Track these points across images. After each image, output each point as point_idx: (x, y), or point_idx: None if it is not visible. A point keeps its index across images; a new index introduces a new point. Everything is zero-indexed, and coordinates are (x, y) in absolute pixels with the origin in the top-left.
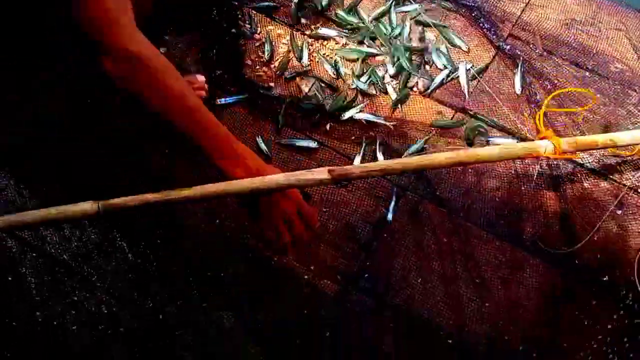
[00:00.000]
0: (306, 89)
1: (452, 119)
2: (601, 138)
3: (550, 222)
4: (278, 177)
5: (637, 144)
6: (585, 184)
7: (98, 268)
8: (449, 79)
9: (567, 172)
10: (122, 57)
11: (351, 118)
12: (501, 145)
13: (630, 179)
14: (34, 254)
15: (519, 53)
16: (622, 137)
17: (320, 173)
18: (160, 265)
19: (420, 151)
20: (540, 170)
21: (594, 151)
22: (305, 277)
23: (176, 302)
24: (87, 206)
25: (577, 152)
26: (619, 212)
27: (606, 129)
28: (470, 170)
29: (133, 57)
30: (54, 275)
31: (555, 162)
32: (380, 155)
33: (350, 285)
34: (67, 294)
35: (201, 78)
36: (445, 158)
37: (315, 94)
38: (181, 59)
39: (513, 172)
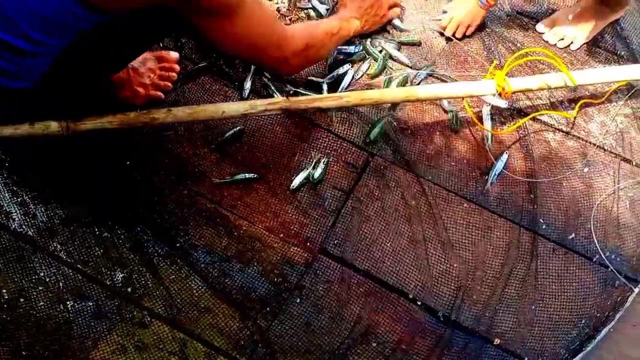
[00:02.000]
0: None
1: (419, 83)
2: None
3: (517, 181)
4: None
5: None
6: (552, 144)
7: (64, 243)
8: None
9: (533, 131)
10: (294, 58)
11: None
12: (440, 84)
13: (596, 137)
14: None
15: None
16: (553, 79)
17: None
18: (126, 234)
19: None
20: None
21: (563, 111)
22: (275, 244)
23: (144, 273)
24: (53, 125)
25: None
26: (586, 169)
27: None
28: (437, 133)
29: (298, 53)
30: (20, 252)
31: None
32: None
33: (319, 251)
34: (33, 270)
35: (174, 54)
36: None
37: None
38: None
39: (480, 135)
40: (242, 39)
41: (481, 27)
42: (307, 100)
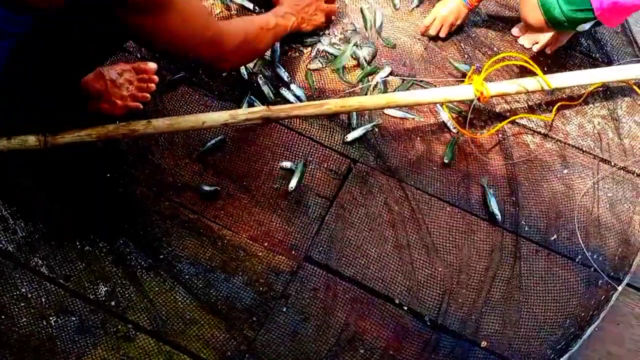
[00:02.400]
0: None
1: (399, 86)
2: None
3: (498, 185)
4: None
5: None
6: (531, 146)
7: (45, 257)
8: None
9: (512, 134)
10: (230, 55)
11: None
12: (420, 90)
13: (575, 138)
14: None
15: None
16: (530, 83)
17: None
18: (108, 247)
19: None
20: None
21: (541, 114)
22: (259, 253)
23: (128, 286)
24: (31, 139)
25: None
26: (565, 171)
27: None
28: (418, 138)
29: (235, 49)
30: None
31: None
32: None
33: (304, 258)
34: (15, 286)
35: (152, 65)
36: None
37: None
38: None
39: (461, 138)
40: (176, 37)
41: (458, 32)
42: (288, 108)
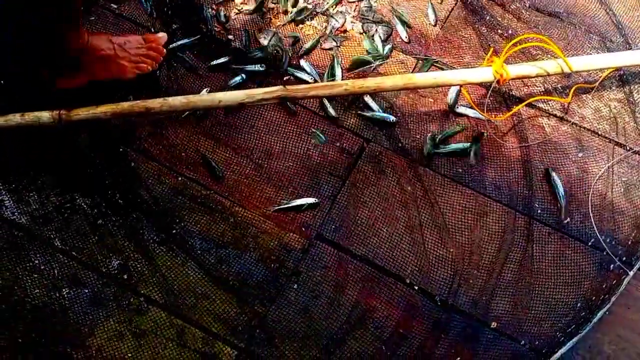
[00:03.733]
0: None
1: (414, 68)
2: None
3: (511, 167)
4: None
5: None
6: (546, 129)
7: (59, 230)
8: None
9: (528, 116)
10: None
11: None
12: (439, 72)
13: (590, 121)
14: None
15: (478, 2)
16: (550, 65)
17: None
18: (121, 221)
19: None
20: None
21: (558, 96)
22: (271, 230)
23: (140, 260)
24: (45, 115)
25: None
26: (580, 154)
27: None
28: (433, 117)
29: None
30: (13, 239)
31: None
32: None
33: (316, 236)
34: (27, 258)
35: (162, 35)
36: (390, 83)
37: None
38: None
39: (473, 120)
40: None
41: (473, 13)
42: (305, 89)
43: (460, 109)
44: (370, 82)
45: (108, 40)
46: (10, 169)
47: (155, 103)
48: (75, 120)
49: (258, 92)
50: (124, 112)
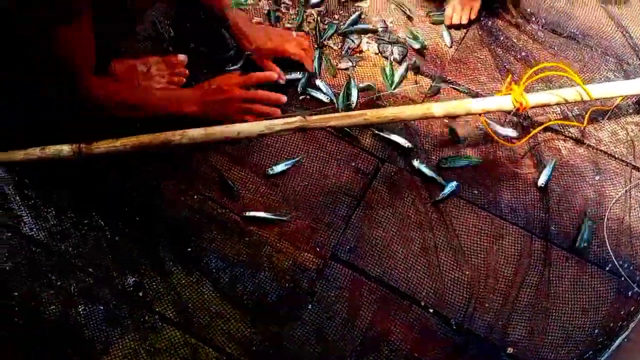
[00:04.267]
0: None
1: (429, 88)
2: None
3: (528, 189)
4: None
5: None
6: (563, 152)
7: (76, 246)
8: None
9: (544, 139)
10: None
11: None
12: (457, 101)
13: (607, 144)
14: (9, 234)
15: (493, 24)
16: (570, 94)
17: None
18: (138, 239)
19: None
20: (513, 133)
21: (573, 118)
22: (286, 250)
23: (155, 277)
24: (65, 149)
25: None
26: (597, 178)
27: None
28: (447, 139)
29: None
30: (31, 255)
31: (532, 127)
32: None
33: (330, 257)
34: (44, 274)
35: (182, 57)
36: (409, 112)
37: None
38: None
39: (489, 141)
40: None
41: (489, 34)
42: (324, 119)
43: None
44: (389, 112)
45: (132, 69)
46: (29, 184)
47: (175, 135)
48: (96, 154)
49: (278, 123)
50: (143, 145)
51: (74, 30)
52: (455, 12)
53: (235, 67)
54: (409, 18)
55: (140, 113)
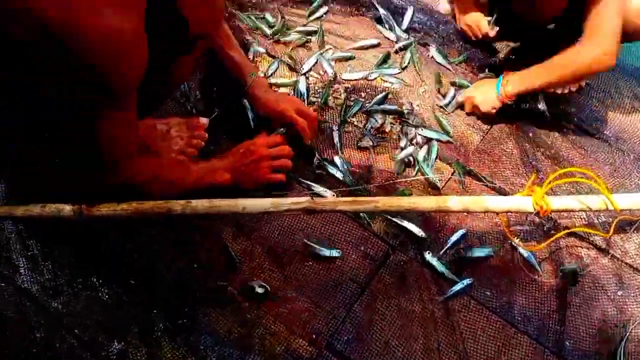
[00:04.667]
0: None
1: (449, 178)
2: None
3: (544, 298)
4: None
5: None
6: (585, 260)
7: (66, 304)
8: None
9: (565, 245)
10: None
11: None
12: (476, 197)
13: (633, 257)
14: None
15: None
16: (594, 202)
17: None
18: (131, 302)
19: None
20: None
21: (598, 226)
22: (279, 333)
23: (141, 348)
24: (66, 209)
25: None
26: (620, 293)
27: None
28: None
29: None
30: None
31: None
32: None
33: (326, 346)
34: (31, 329)
35: (204, 121)
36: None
37: None
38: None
39: (505, 243)
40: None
41: (517, 127)
42: (333, 202)
43: None
44: (403, 202)
45: (152, 128)
46: (31, 233)
47: (178, 205)
48: (96, 216)
49: (284, 202)
50: (145, 211)
51: (124, 113)
52: (466, 107)
53: (281, 129)
54: (442, 109)
55: (180, 188)
